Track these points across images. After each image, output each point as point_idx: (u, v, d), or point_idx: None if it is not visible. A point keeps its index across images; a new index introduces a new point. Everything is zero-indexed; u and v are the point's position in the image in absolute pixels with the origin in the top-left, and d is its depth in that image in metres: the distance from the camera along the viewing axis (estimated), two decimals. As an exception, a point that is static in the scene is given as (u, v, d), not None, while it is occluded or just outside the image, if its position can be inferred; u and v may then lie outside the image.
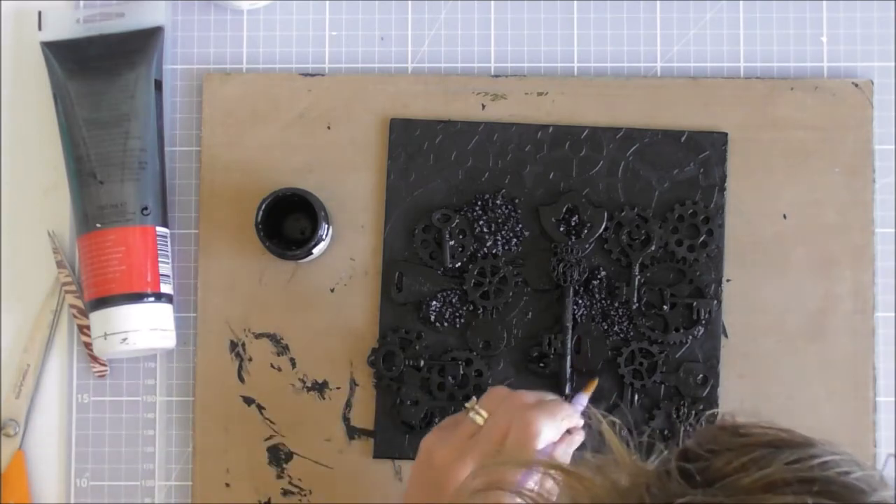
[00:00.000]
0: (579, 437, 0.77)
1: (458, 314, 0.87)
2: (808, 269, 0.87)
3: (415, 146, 0.89)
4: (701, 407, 0.86)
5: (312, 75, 0.90)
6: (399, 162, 0.89)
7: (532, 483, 0.73)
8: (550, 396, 0.79)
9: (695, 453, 0.57)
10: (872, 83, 0.89)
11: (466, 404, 0.77)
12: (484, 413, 0.76)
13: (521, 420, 0.75)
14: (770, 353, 0.87)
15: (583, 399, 0.81)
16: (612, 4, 0.91)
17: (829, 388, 0.87)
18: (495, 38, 0.91)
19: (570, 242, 0.87)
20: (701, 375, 0.86)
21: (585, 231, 0.87)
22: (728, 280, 0.87)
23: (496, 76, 0.90)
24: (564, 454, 0.76)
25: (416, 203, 0.88)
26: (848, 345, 0.87)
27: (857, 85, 0.88)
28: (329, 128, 0.90)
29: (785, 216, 0.88)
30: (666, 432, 0.86)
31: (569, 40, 0.91)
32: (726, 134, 0.88)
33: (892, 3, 0.90)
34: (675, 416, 0.86)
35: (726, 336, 0.87)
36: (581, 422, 0.78)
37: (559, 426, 0.76)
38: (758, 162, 0.88)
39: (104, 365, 0.89)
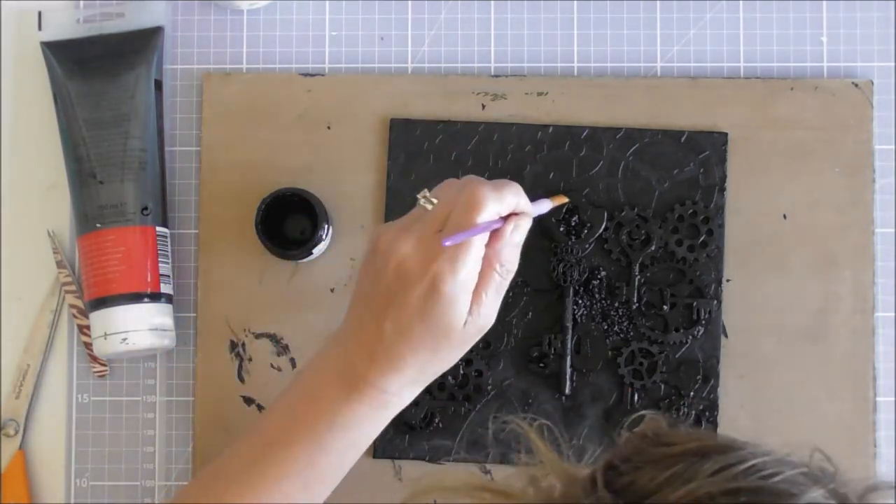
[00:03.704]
0: (526, 224, 0.74)
1: (457, 314, 0.87)
2: (808, 269, 0.87)
3: (415, 146, 0.89)
4: (701, 407, 0.86)
5: (312, 75, 0.90)
6: (399, 162, 0.89)
7: (472, 255, 0.72)
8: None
9: (619, 467, 0.55)
10: (872, 83, 0.89)
11: (418, 195, 0.75)
12: (435, 200, 0.74)
13: (466, 192, 0.72)
14: (770, 353, 0.87)
15: (544, 205, 0.79)
16: (612, 4, 0.91)
17: (829, 388, 0.87)
18: (495, 38, 0.91)
19: (570, 242, 0.87)
20: (701, 375, 0.86)
21: (585, 231, 0.87)
22: (728, 280, 0.87)
23: (496, 76, 0.90)
24: (511, 238, 0.74)
25: (416, 203, 0.88)
26: (848, 345, 0.87)
27: (857, 85, 0.88)
28: (329, 128, 0.90)
29: (785, 216, 0.88)
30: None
31: (569, 40, 0.91)
32: (726, 134, 0.88)
33: (892, 3, 0.90)
34: (675, 416, 0.86)
35: (726, 336, 0.87)
36: (531, 213, 0.75)
37: (504, 202, 0.73)
38: (758, 162, 0.88)
39: (104, 365, 0.89)
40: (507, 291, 0.86)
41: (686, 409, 0.86)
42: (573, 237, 0.87)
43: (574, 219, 0.87)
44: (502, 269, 0.73)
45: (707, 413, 0.86)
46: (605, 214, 0.87)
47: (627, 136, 0.88)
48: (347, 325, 0.76)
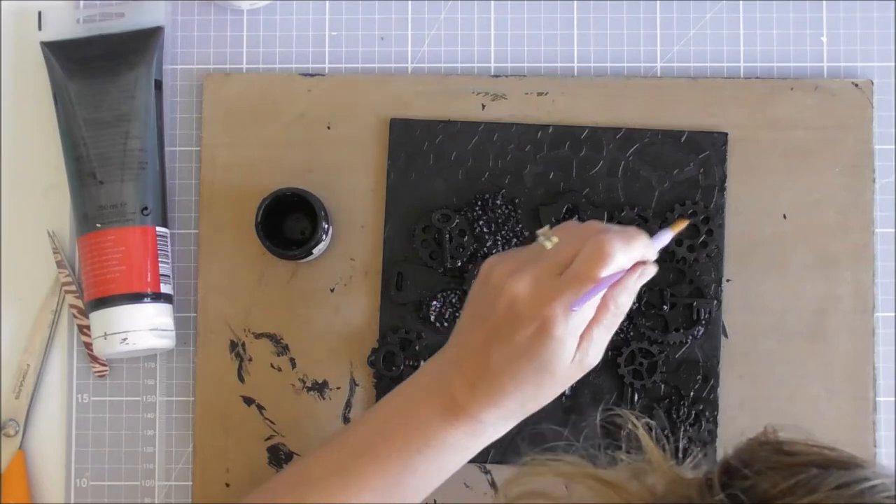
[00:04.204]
0: (651, 271, 0.73)
1: (458, 314, 0.87)
2: (808, 269, 0.87)
3: (415, 146, 0.89)
4: (701, 407, 0.86)
5: (312, 75, 0.90)
6: (399, 162, 0.89)
7: (588, 307, 0.71)
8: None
9: (737, 470, 0.57)
10: (872, 83, 0.89)
11: (539, 231, 0.74)
12: (555, 239, 0.73)
13: (594, 241, 0.71)
14: (770, 353, 0.87)
15: (666, 236, 0.75)
16: (612, 4, 0.91)
17: (829, 388, 0.87)
18: (495, 38, 0.91)
19: (570, 242, 0.87)
20: (701, 375, 0.86)
21: (585, 231, 0.87)
22: (728, 280, 0.87)
23: (496, 76, 0.90)
24: (633, 285, 0.72)
25: (416, 203, 0.88)
26: (848, 345, 0.87)
27: (857, 85, 0.88)
28: (329, 128, 0.90)
29: (785, 216, 0.88)
30: (666, 431, 0.86)
31: (569, 40, 0.91)
32: (726, 134, 0.88)
33: (893, 3, 0.90)
34: (675, 416, 0.86)
35: (726, 336, 0.87)
36: (655, 257, 0.73)
37: (632, 255, 0.72)
38: (758, 162, 0.88)
39: (104, 365, 0.89)
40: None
41: (686, 409, 0.86)
42: (573, 237, 0.87)
43: (574, 219, 0.87)
44: (617, 310, 0.72)
45: (707, 413, 0.86)
46: (606, 214, 0.87)
47: (627, 136, 0.88)
48: (450, 351, 0.76)
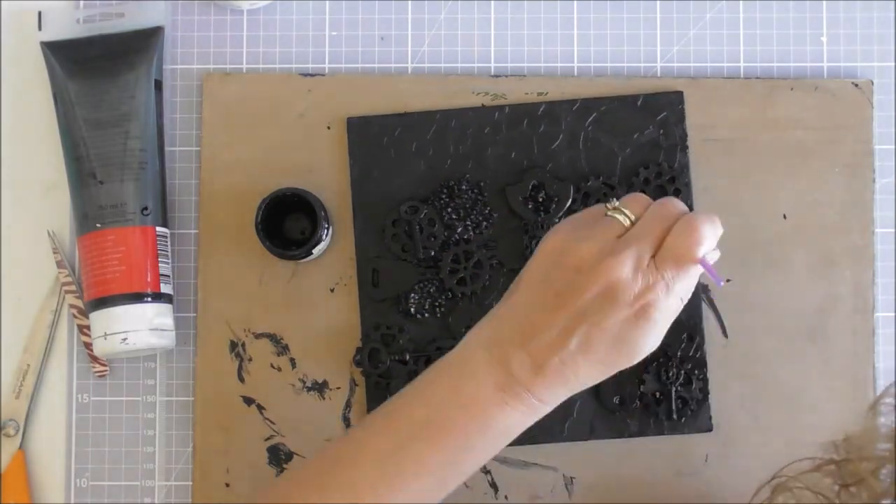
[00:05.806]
0: (717, 255, 0.73)
1: (437, 303, 0.87)
2: (808, 269, 0.87)
3: (374, 142, 0.89)
4: (689, 366, 0.86)
5: (312, 75, 0.90)
6: (360, 160, 0.89)
7: (690, 286, 0.71)
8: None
9: None
10: (872, 83, 0.89)
11: (607, 204, 0.73)
12: (630, 214, 0.72)
13: (685, 223, 0.70)
14: (770, 353, 0.87)
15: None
16: (612, 4, 0.91)
17: (829, 388, 0.87)
18: (495, 38, 0.91)
19: (539, 219, 0.87)
20: (686, 334, 0.86)
21: (553, 206, 0.87)
22: (728, 280, 0.87)
23: (496, 76, 0.90)
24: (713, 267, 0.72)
25: (382, 199, 0.88)
26: (848, 345, 0.87)
27: (857, 85, 0.88)
28: (329, 128, 0.90)
29: (785, 216, 0.88)
30: (658, 395, 0.86)
31: (569, 40, 0.91)
32: (681, 93, 0.88)
33: (893, 3, 0.90)
34: (665, 378, 0.85)
35: (726, 336, 0.87)
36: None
37: (717, 234, 0.72)
38: (758, 162, 0.88)
39: (104, 365, 0.89)
40: (484, 273, 0.87)
41: (675, 370, 0.86)
42: (542, 213, 0.87)
43: (541, 195, 0.87)
44: (685, 298, 0.72)
45: (696, 371, 0.85)
46: (571, 187, 0.87)
47: (584, 106, 0.88)
48: (506, 328, 0.72)
